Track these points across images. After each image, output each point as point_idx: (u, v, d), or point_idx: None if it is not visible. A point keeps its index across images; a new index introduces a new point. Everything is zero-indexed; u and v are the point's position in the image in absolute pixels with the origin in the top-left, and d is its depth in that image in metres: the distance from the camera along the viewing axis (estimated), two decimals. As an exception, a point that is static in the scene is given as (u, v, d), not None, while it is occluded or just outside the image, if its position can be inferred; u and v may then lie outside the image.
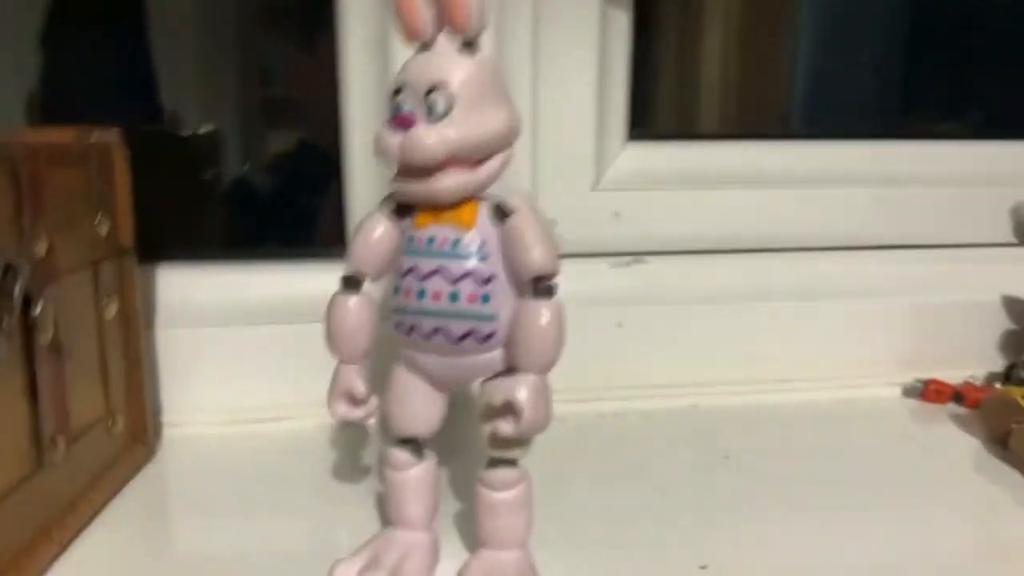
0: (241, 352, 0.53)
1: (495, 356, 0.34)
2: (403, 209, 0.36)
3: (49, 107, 0.55)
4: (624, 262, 0.57)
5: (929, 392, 0.57)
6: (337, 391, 0.36)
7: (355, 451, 0.49)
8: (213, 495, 0.44)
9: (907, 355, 0.59)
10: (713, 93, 0.64)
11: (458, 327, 0.34)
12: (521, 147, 0.53)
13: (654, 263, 0.57)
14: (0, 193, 0.35)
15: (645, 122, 0.60)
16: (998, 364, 0.59)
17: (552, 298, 0.33)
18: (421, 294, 0.34)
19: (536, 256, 0.33)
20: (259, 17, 0.56)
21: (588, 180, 0.57)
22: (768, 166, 0.60)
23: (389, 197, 0.36)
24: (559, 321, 0.33)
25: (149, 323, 0.51)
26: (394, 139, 0.32)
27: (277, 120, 0.58)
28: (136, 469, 0.47)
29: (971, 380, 0.57)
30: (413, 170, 0.33)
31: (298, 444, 0.50)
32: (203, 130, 0.56)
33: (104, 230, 0.44)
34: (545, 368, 0.33)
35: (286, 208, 0.57)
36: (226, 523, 0.42)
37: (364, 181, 0.54)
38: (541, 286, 0.33)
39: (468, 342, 0.34)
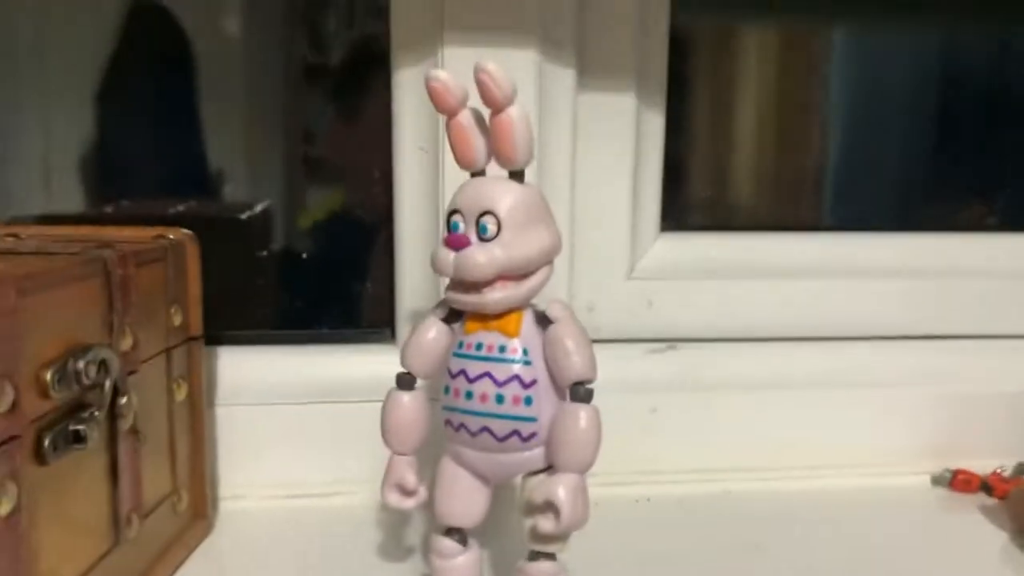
0: (294, 429, 0.56)
1: (537, 454, 0.37)
2: (454, 314, 0.39)
3: (108, 191, 0.59)
4: (657, 349, 0.60)
5: (957, 482, 0.58)
6: (390, 481, 0.39)
7: (402, 528, 0.51)
8: (267, 566, 0.47)
9: (936, 445, 0.60)
10: (744, 187, 0.67)
11: (503, 427, 0.37)
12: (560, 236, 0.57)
13: (686, 350, 0.60)
14: (95, 296, 0.39)
15: (677, 215, 0.63)
16: (1027, 455, 0.60)
17: (590, 402, 0.36)
18: (469, 395, 0.37)
19: (576, 362, 0.36)
20: (317, 101, 0.61)
21: (623, 269, 0.60)
22: (797, 257, 0.63)
23: (442, 303, 0.39)
24: (596, 424, 0.36)
25: (211, 402, 0.55)
26: (449, 257, 0.36)
27: (335, 211, 0.62)
28: (197, 543, 0.50)
29: (1000, 471, 0.59)
30: (465, 284, 0.36)
31: (348, 519, 0.53)
32: (257, 211, 0.60)
33: (178, 320, 0.48)
34: (583, 468, 0.36)
35: (339, 289, 0.61)
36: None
37: (413, 266, 0.57)
38: (580, 390, 0.36)
39: (512, 441, 0.37)
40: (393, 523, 0.52)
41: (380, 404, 0.40)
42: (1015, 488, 0.53)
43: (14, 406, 0.32)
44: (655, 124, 0.60)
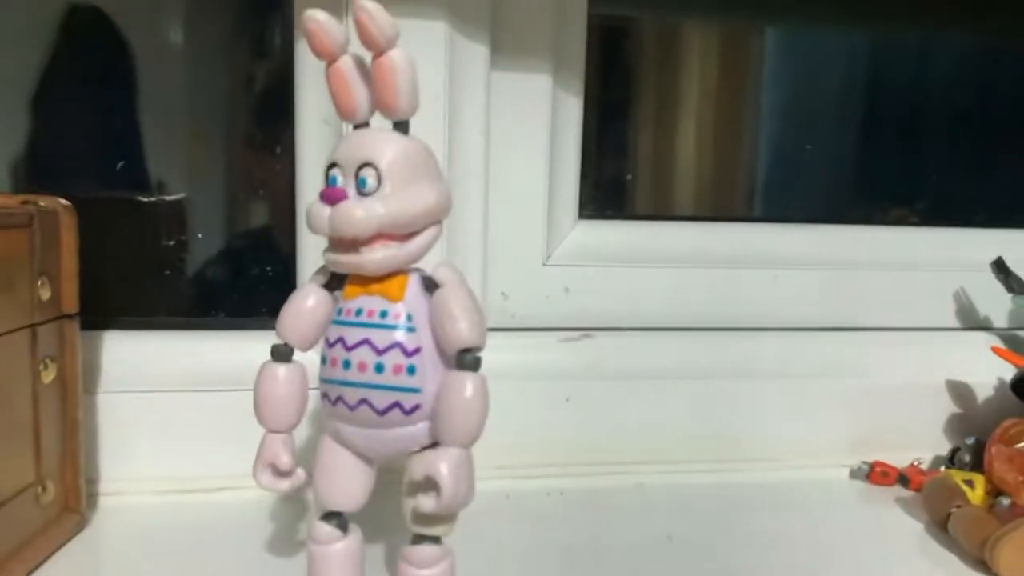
0: (182, 419, 0.52)
1: (421, 429, 0.34)
2: (335, 280, 0.36)
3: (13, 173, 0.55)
4: (572, 337, 0.57)
5: (875, 474, 0.57)
6: (262, 461, 0.36)
7: (293, 524, 0.48)
8: (142, 568, 0.43)
9: (854, 437, 0.59)
10: (664, 175, 0.66)
11: (383, 399, 0.34)
12: (473, 221, 0.55)
13: (602, 339, 0.58)
14: (-66, 256, 0.35)
15: (596, 201, 0.62)
16: (944, 447, 0.59)
17: (477, 371, 0.33)
18: (347, 364, 0.34)
19: (463, 328, 0.33)
20: (226, 90, 0.58)
21: (539, 256, 0.58)
22: (717, 246, 0.61)
23: (322, 268, 0.37)
24: (483, 394, 0.33)
25: (92, 388, 0.51)
26: (325, 212, 0.33)
27: (233, 191, 0.59)
28: (66, 539, 0.45)
29: (917, 463, 0.58)
30: (343, 242, 0.34)
31: (236, 515, 0.49)
32: (159, 198, 0.57)
33: (46, 295, 0.44)
34: (468, 442, 0.33)
35: (235, 277, 0.57)
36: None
37: (315, 255, 0.54)
38: (467, 358, 0.33)
39: (393, 414, 0.34)
40: (285, 517, 0.49)
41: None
42: (929, 479, 0.52)
43: None
44: (573, 108, 0.59)
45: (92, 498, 0.50)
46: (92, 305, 0.47)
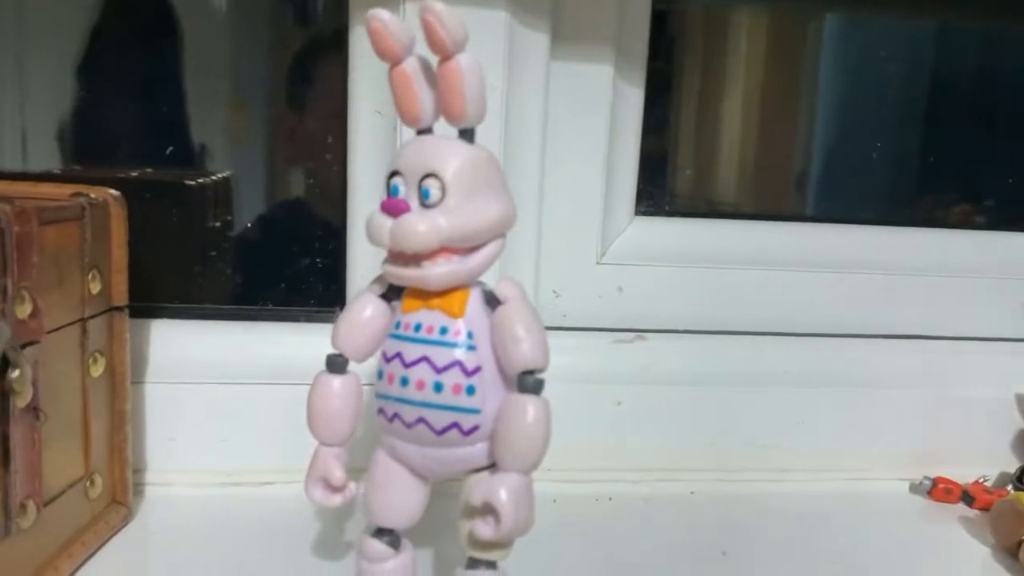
0: (231, 412, 0.52)
1: (479, 449, 0.33)
2: (394, 290, 0.35)
3: (54, 150, 0.55)
4: (625, 339, 0.56)
5: (937, 491, 0.54)
6: (314, 475, 0.35)
7: (340, 522, 0.47)
8: (189, 562, 0.43)
9: (916, 450, 0.57)
10: (724, 171, 0.63)
11: (441, 419, 0.32)
12: (527, 217, 0.53)
13: (656, 341, 0.56)
14: (-14, 255, 0.34)
15: (653, 198, 0.59)
16: (1011, 464, 0.57)
17: (540, 394, 0.32)
18: (404, 382, 0.33)
19: (525, 349, 0.32)
20: (271, 64, 0.56)
21: (593, 253, 0.56)
22: (778, 247, 0.59)
23: (380, 277, 0.35)
24: (545, 419, 0.32)
25: (140, 378, 0.51)
26: (386, 224, 0.32)
27: (285, 178, 0.58)
28: (113, 532, 0.45)
29: (982, 480, 0.55)
30: (404, 256, 0.32)
31: (282, 512, 0.49)
32: (209, 179, 0.56)
33: (96, 288, 0.43)
34: (528, 468, 0.32)
35: (284, 268, 0.56)
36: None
37: (366, 245, 0.53)
38: (529, 380, 0.32)
39: (451, 434, 0.33)
40: (333, 517, 0.48)
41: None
42: (999, 500, 0.50)
43: None
44: (634, 100, 0.56)
45: (138, 488, 0.50)
46: (138, 293, 0.46)
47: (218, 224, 0.56)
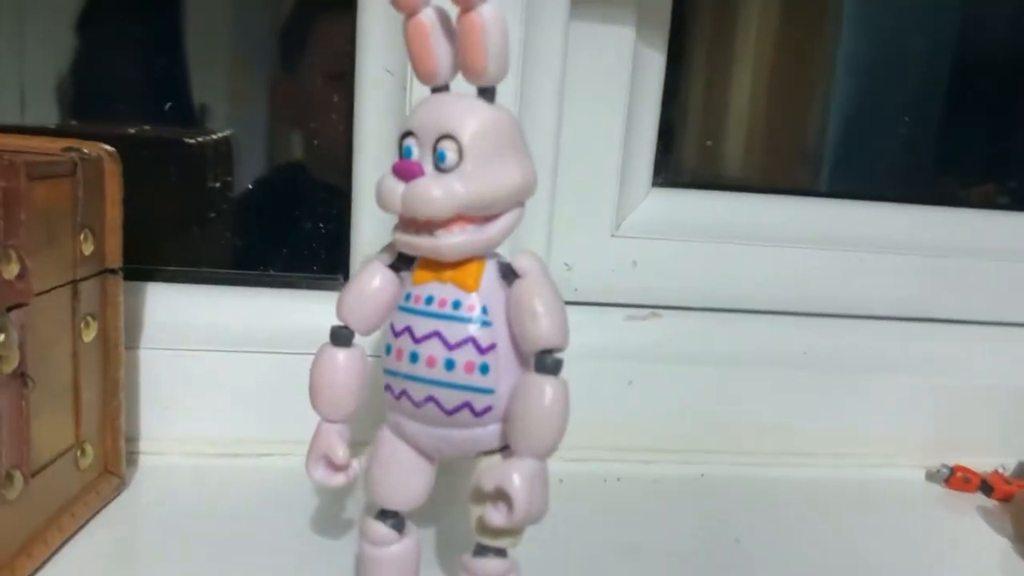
0: (228, 380, 0.50)
1: (492, 431, 0.31)
2: (404, 259, 0.33)
3: (51, 105, 0.52)
4: (638, 315, 0.54)
5: (955, 480, 0.53)
6: (316, 453, 0.33)
7: (340, 499, 0.46)
8: (183, 535, 0.41)
9: (934, 436, 0.55)
10: (747, 144, 0.61)
11: (452, 398, 0.31)
12: (541, 184, 0.50)
13: (671, 318, 0.54)
14: (-31, 211, 0.32)
15: (672, 168, 0.57)
16: (1030, 453, 0.55)
17: (559, 375, 0.30)
18: (414, 358, 0.31)
19: (544, 326, 0.30)
20: (281, 27, 0.54)
21: (608, 225, 0.54)
22: (799, 223, 0.57)
23: (389, 246, 0.33)
24: (563, 401, 0.30)
25: (134, 343, 0.49)
26: (398, 188, 0.29)
27: (287, 138, 0.55)
28: (104, 503, 0.44)
29: (1001, 470, 0.54)
30: (416, 223, 0.30)
31: (280, 484, 0.47)
32: (208, 139, 0.53)
33: (89, 248, 0.41)
34: (544, 453, 0.30)
35: (285, 232, 0.54)
36: (193, 568, 0.38)
37: (372, 210, 0.51)
38: (548, 360, 0.30)
39: (462, 415, 0.31)
40: (333, 492, 0.46)
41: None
42: (1020, 492, 0.48)
43: None
44: (655, 65, 0.54)
45: (132, 456, 0.48)
46: (133, 255, 0.44)
47: (218, 185, 0.54)
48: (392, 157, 0.44)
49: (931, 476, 0.54)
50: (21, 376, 0.36)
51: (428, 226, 0.30)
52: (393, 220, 0.32)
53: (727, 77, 0.59)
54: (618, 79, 0.52)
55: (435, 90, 0.31)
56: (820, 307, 0.56)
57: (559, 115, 0.50)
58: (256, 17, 0.54)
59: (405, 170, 0.29)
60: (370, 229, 0.51)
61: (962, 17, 0.62)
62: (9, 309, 0.34)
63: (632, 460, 0.52)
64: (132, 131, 0.52)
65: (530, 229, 0.51)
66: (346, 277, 0.53)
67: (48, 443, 0.39)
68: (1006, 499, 0.51)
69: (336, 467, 0.33)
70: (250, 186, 0.54)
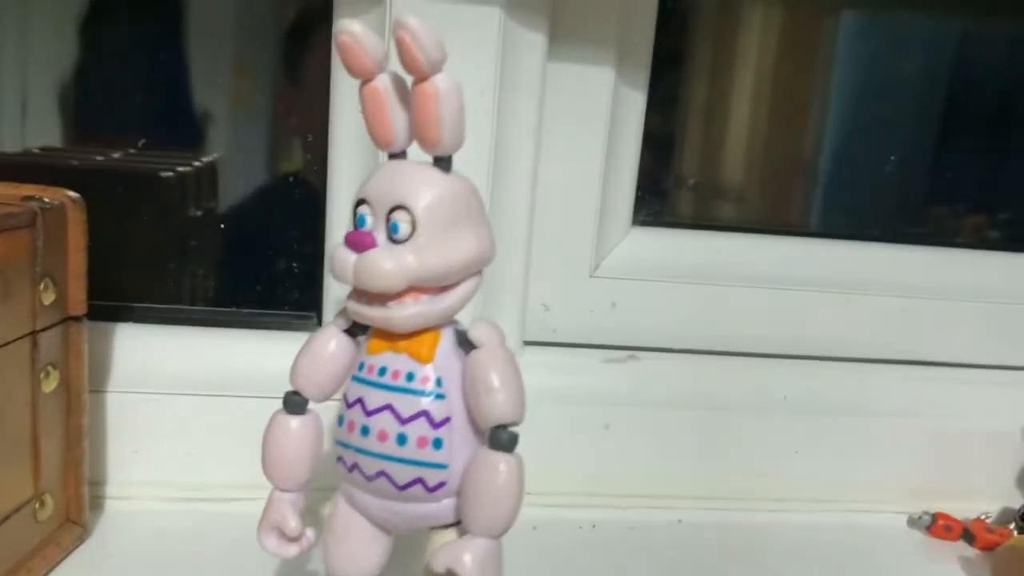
0: (195, 423, 0.49)
1: (445, 506, 0.31)
2: (361, 326, 0.32)
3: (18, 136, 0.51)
4: (617, 358, 0.53)
5: (937, 527, 0.52)
6: (268, 523, 0.33)
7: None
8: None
9: (916, 482, 0.54)
10: (729, 181, 0.60)
11: (404, 473, 0.30)
12: (517, 225, 0.50)
13: (649, 361, 0.53)
14: (-84, 273, 0.31)
15: (652, 207, 0.56)
16: (1014, 499, 0.54)
17: (512, 451, 0.29)
18: (365, 431, 0.30)
19: (499, 401, 0.29)
20: (252, 56, 0.53)
21: (586, 266, 0.53)
22: (783, 263, 0.56)
23: (344, 311, 0.32)
24: (518, 480, 0.29)
25: (100, 386, 0.48)
26: (350, 259, 0.29)
27: (259, 175, 0.54)
28: (65, 554, 0.43)
29: (984, 517, 0.53)
30: (369, 293, 0.29)
31: (248, 529, 0.46)
32: (175, 172, 0.52)
33: (49, 298, 0.40)
34: (498, 532, 0.29)
35: (257, 271, 0.53)
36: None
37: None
38: (502, 436, 0.29)
39: (414, 490, 0.30)
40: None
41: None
42: (1001, 547, 0.47)
43: None
44: (635, 104, 0.53)
45: (98, 501, 0.48)
46: (99, 293, 0.43)
47: (188, 219, 0.53)
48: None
49: (912, 523, 0.53)
50: (-27, 435, 0.35)
51: (380, 297, 0.29)
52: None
53: (710, 114, 0.58)
54: (597, 117, 0.51)
55: (392, 156, 0.30)
56: (803, 349, 0.55)
57: (536, 154, 0.50)
58: (223, 48, 0.53)
59: (357, 241, 0.28)
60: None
61: (953, 50, 0.61)
62: (-41, 369, 0.34)
63: (608, 506, 0.52)
64: (97, 161, 0.51)
65: (507, 267, 0.50)
66: (319, 318, 0.52)
67: (3, 498, 0.38)
68: (988, 548, 0.50)
69: (289, 538, 0.33)
70: (221, 223, 0.53)
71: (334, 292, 0.51)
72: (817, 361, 0.55)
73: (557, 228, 0.52)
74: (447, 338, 0.30)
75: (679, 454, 0.52)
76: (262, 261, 0.53)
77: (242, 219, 0.53)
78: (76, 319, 0.43)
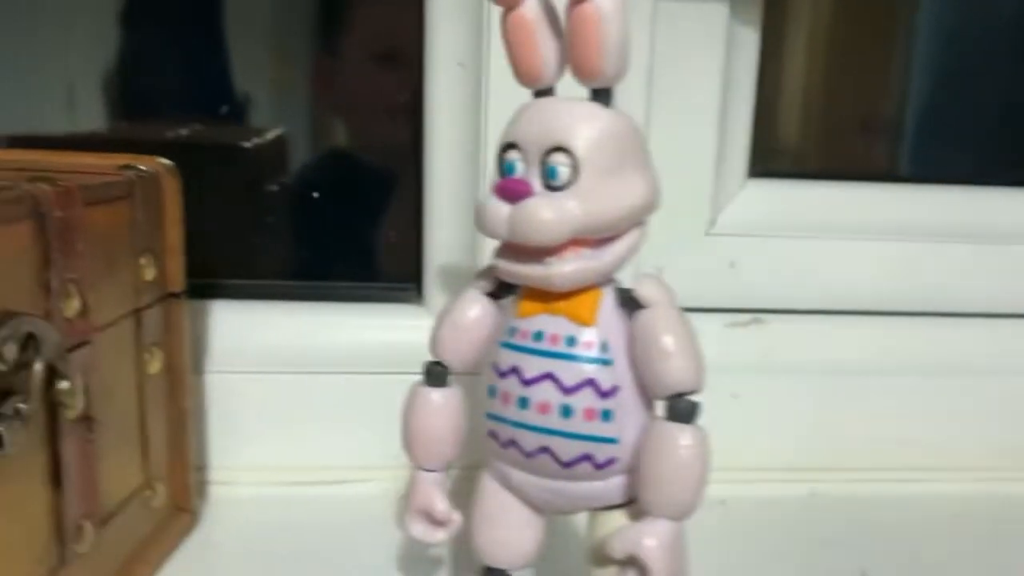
0: (298, 403, 0.47)
1: (615, 484, 0.27)
2: (504, 287, 0.29)
3: (100, 108, 0.49)
4: (740, 321, 0.49)
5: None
6: (414, 506, 0.30)
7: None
8: (263, 571, 0.39)
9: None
10: (855, 126, 0.55)
11: (570, 449, 0.27)
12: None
13: (775, 324, 0.49)
14: (23, 246, 0.29)
15: (771, 156, 0.52)
16: None
17: (694, 422, 0.26)
18: (523, 403, 0.27)
19: (676, 367, 0.26)
20: (342, 17, 0.50)
21: (701, 223, 0.49)
22: (917, 215, 0.51)
23: (488, 271, 0.29)
24: (703, 454, 0.26)
25: (199, 368, 0.46)
26: (502, 211, 0.25)
27: (352, 139, 0.51)
28: (177, 543, 0.41)
29: None
30: (523, 249, 0.26)
31: (360, 511, 0.44)
32: (264, 139, 0.50)
33: (150, 274, 0.38)
34: (683, 514, 0.26)
35: (357, 236, 0.50)
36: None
37: (445, 210, 0.47)
38: (681, 406, 0.26)
39: (581, 468, 0.27)
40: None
41: (402, 377, 0.30)
42: None
43: None
44: (751, 43, 0.49)
45: (201, 487, 0.45)
46: (192, 271, 0.41)
47: (276, 190, 0.50)
48: (465, 157, 0.40)
49: (1071, 491, 0.49)
50: (86, 420, 0.33)
51: (537, 252, 0.26)
52: (472, 229, 0.27)
53: (830, 54, 0.54)
54: (711, 59, 0.47)
55: (538, 94, 0.27)
56: (941, 306, 0.51)
57: (647, 101, 0.46)
58: (308, 6, 0.50)
59: (512, 190, 0.25)
60: (442, 236, 0.47)
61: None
62: (70, 350, 0.31)
63: (736, 480, 0.48)
64: (183, 134, 0.49)
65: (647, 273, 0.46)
66: (419, 289, 0.49)
67: (116, 486, 0.36)
68: None
69: (436, 521, 0.30)
70: (312, 191, 0.50)
71: (435, 261, 0.48)
72: (957, 318, 0.51)
73: (669, 182, 0.48)
74: (609, 298, 0.27)
75: (810, 423, 0.49)
76: (359, 232, 0.50)
77: (336, 189, 0.50)
78: (175, 296, 0.40)
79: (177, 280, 0.40)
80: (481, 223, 0.26)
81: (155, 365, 0.39)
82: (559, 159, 0.25)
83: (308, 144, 0.51)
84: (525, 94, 0.27)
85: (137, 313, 0.37)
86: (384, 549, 0.40)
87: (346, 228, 0.51)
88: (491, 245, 0.27)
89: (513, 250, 0.26)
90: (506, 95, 0.29)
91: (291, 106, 0.51)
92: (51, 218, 0.30)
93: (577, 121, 0.25)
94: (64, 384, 0.30)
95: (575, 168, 0.25)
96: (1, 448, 0.27)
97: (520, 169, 0.26)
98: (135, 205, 0.37)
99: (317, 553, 0.41)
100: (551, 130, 0.25)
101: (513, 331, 0.28)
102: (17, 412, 0.28)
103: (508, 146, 0.26)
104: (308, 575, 0.39)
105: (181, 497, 0.42)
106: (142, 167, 0.38)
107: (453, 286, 0.47)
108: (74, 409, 0.31)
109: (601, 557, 0.27)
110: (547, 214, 0.25)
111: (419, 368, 0.30)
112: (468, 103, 0.45)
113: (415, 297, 0.49)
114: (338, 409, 0.47)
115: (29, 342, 0.29)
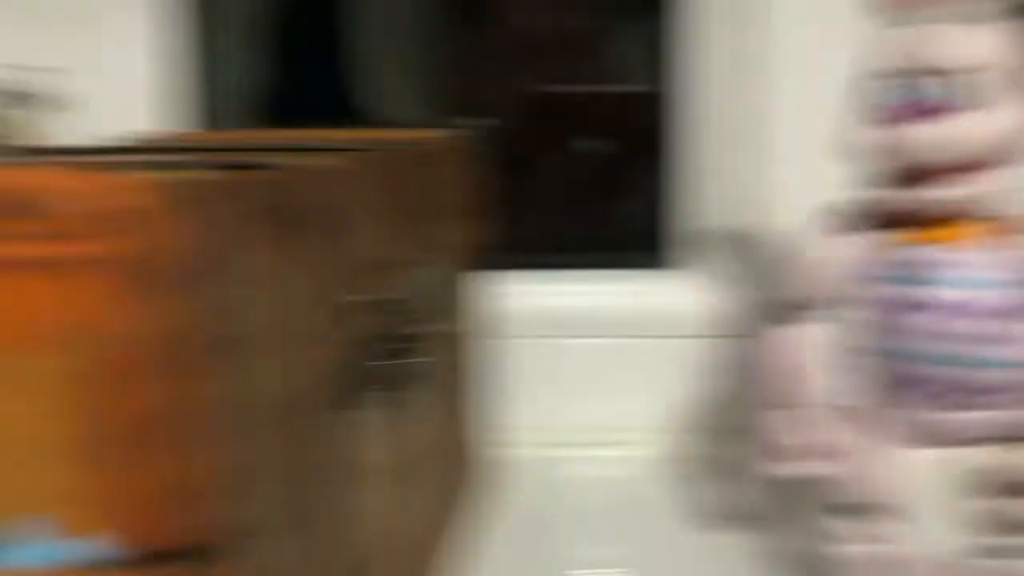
0: (579, 366, 0.48)
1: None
2: (865, 223, 0.28)
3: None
4: None
5: None
6: (812, 443, 0.29)
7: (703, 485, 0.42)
8: (559, 531, 0.40)
9: None
10: None
11: (991, 377, 0.26)
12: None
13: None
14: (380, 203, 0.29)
15: None
16: None
17: None
18: (934, 335, 0.26)
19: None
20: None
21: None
22: None
23: (844, 209, 0.29)
24: None
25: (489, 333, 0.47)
26: (921, 131, 0.25)
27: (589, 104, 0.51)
28: (481, 506, 0.42)
29: None
30: (921, 174, 0.25)
31: (638, 475, 0.44)
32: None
33: (461, 237, 0.39)
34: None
35: (624, 209, 0.51)
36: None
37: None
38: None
39: (998, 398, 0.26)
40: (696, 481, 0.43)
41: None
42: None
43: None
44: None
45: (490, 447, 0.46)
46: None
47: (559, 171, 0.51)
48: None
49: None
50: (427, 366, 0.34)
51: (934, 177, 0.25)
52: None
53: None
54: None
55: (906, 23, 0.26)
56: None
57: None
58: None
59: (927, 110, 0.25)
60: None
61: None
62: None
63: None
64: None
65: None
66: (665, 254, 0.49)
67: (431, 445, 0.37)
68: None
69: (830, 455, 0.29)
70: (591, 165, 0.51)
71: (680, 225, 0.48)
72: None
73: None
74: (993, 225, 0.26)
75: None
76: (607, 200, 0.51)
77: (614, 161, 0.51)
78: (482, 262, 0.42)
79: (480, 244, 0.41)
80: (894, 146, 0.26)
81: (462, 326, 0.40)
82: (971, 78, 0.25)
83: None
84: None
85: (453, 272, 0.39)
86: (654, 517, 0.40)
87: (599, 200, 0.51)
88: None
89: (907, 177, 0.26)
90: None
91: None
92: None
93: (982, 44, 0.25)
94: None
95: (990, 85, 0.24)
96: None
97: (933, 92, 0.25)
98: (450, 166, 0.38)
99: (608, 512, 0.41)
100: (955, 52, 0.25)
101: (897, 264, 0.27)
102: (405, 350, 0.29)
103: (898, 72, 0.26)
104: (599, 532, 0.39)
105: (479, 461, 0.43)
106: (451, 132, 0.39)
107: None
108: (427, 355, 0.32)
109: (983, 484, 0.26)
110: (979, 130, 0.25)
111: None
112: (737, 62, 0.44)
113: (663, 263, 0.49)
114: (613, 374, 0.47)
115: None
